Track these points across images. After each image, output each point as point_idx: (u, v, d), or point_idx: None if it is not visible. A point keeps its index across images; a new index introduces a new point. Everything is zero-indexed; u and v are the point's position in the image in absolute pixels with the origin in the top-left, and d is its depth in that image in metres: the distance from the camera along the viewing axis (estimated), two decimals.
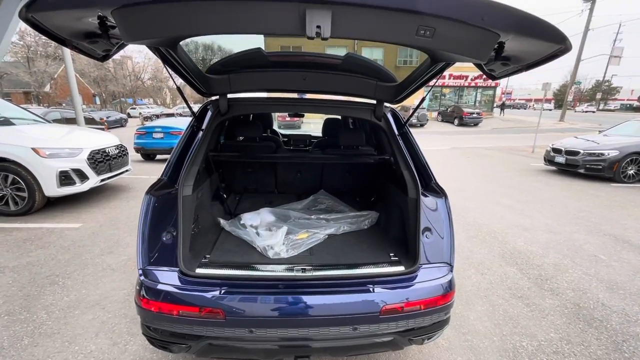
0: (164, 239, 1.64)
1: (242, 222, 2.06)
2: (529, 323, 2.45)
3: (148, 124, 10.73)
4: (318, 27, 0.95)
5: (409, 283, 1.63)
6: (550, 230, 4.36)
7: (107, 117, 22.32)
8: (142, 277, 1.55)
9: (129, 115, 33.61)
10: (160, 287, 1.51)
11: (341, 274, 1.64)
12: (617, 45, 35.02)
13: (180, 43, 1.55)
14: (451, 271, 1.73)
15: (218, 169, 2.67)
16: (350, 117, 2.88)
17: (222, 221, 2.12)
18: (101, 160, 5.01)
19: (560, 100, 47.45)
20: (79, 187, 4.66)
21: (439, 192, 1.86)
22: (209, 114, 2.01)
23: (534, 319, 2.50)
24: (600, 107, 56.86)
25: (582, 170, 7.53)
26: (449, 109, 26.50)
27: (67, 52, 7.68)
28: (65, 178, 4.50)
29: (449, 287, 1.67)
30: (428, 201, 1.82)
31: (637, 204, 5.61)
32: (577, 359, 2.11)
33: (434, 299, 1.62)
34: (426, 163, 1.97)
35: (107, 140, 5.45)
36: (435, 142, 14.97)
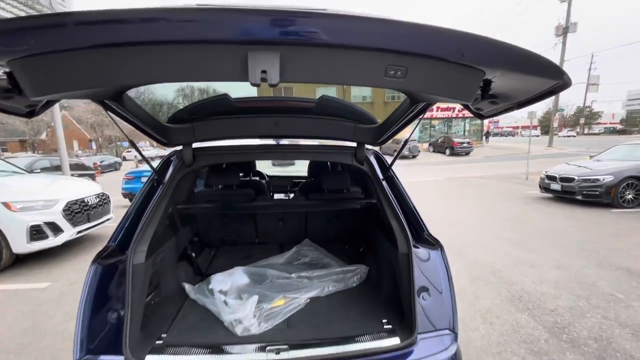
0: (109, 318, 1.37)
1: (210, 286, 1.79)
2: None
3: (140, 167, 10.60)
4: (264, 72, 0.79)
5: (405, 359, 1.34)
6: (558, 265, 4.07)
7: (100, 162, 22.35)
8: None
9: (124, 159, 33.74)
10: None
11: (324, 353, 1.35)
12: (593, 73, 36.83)
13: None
14: (455, 340, 1.45)
15: (189, 222, 2.43)
16: (329, 161, 2.72)
17: (187, 287, 1.84)
18: (78, 211, 4.74)
19: (545, 127, 49.00)
20: (52, 241, 4.34)
21: (433, 243, 1.63)
22: (173, 165, 1.82)
23: None
24: (585, 132, 58.75)
25: (579, 197, 7.38)
26: (439, 140, 26.96)
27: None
28: (36, 232, 4.19)
29: None
30: (422, 255, 1.58)
31: None
32: None
33: None
34: (416, 211, 1.76)
35: (87, 189, 5.22)
36: (428, 173, 14.95)
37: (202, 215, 2.58)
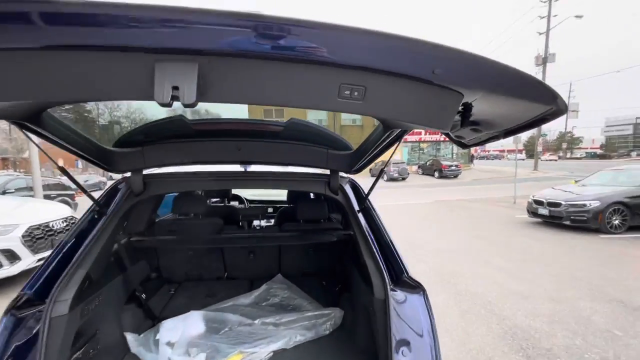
0: None
1: (157, 336, 1.52)
2: None
3: None
4: (175, 88, 0.61)
5: None
6: (551, 297, 3.87)
7: (84, 182, 21.67)
8: None
9: (111, 178, 32.88)
10: None
11: None
12: (572, 101, 38.53)
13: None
14: None
15: (146, 257, 2.16)
16: (301, 190, 2.52)
17: (129, 337, 1.57)
18: (41, 237, 4.37)
19: (530, 151, 50.56)
20: (7, 271, 3.94)
21: (414, 286, 1.42)
22: (120, 194, 1.60)
23: None
24: (568, 156, 61.01)
25: (567, 222, 7.32)
26: (428, 163, 27.28)
27: None
28: None
29: None
30: (401, 300, 1.37)
31: (632, 258, 5.27)
32: None
33: None
34: (395, 249, 1.55)
35: (53, 212, 4.87)
36: (417, 196, 14.90)
37: (163, 248, 2.31)
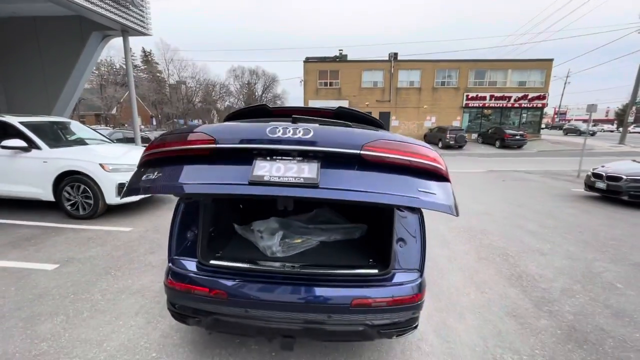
0: (189, 236, 2.13)
1: (252, 227, 2.51)
2: (516, 339, 2.55)
3: None
4: None
5: (380, 283, 1.93)
6: (569, 256, 4.25)
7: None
8: (170, 264, 2.04)
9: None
10: (182, 272, 1.98)
11: (323, 272, 1.99)
12: None
13: None
14: (421, 276, 2.00)
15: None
16: None
17: (236, 226, 2.58)
18: None
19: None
20: (132, 197, 5.50)
21: (413, 209, 2.16)
22: None
23: (522, 336, 2.58)
24: None
25: (625, 197, 7.05)
26: (490, 131, 25.58)
27: (132, 80, 8.95)
28: (122, 189, 5.36)
29: (418, 289, 1.94)
30: (403, 215, 2.13)
31: None
32: None
33: (401, 298, 1.90)
34: None
35: None
36: (470, 165, 14.64)
37: None
